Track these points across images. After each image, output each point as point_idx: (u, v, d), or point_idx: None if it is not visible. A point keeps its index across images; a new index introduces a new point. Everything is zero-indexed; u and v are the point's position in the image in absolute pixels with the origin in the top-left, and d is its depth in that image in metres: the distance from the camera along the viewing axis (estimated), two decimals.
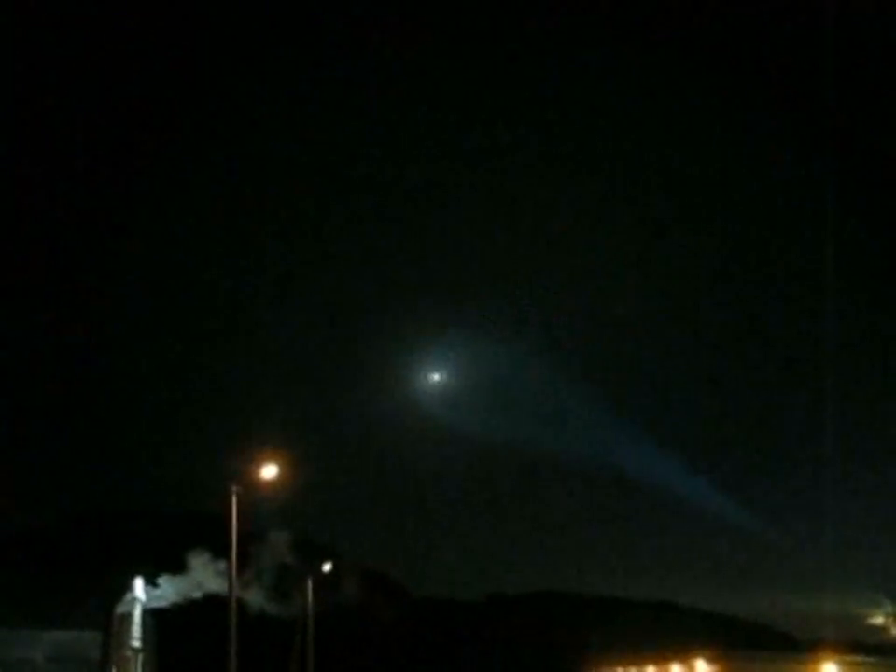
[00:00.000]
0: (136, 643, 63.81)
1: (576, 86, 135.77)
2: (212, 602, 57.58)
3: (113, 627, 64.94)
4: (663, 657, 59.42)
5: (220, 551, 56.34)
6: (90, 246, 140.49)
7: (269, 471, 33.25)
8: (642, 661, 62.02)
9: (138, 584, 64.62)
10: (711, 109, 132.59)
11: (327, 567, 69.75)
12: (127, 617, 64.22)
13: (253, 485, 33.45)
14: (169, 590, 65.65)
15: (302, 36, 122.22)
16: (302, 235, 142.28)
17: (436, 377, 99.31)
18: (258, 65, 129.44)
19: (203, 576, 62.30)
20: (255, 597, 70.50)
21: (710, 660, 53.60)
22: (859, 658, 55.32)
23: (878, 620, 70.45)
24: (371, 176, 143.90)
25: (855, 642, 70.19)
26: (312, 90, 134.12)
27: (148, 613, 65.05)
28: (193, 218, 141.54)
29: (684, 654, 56.59)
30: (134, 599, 64.29)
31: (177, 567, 66.40)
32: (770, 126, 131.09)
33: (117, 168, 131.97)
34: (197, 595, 63.76)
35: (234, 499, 32.74)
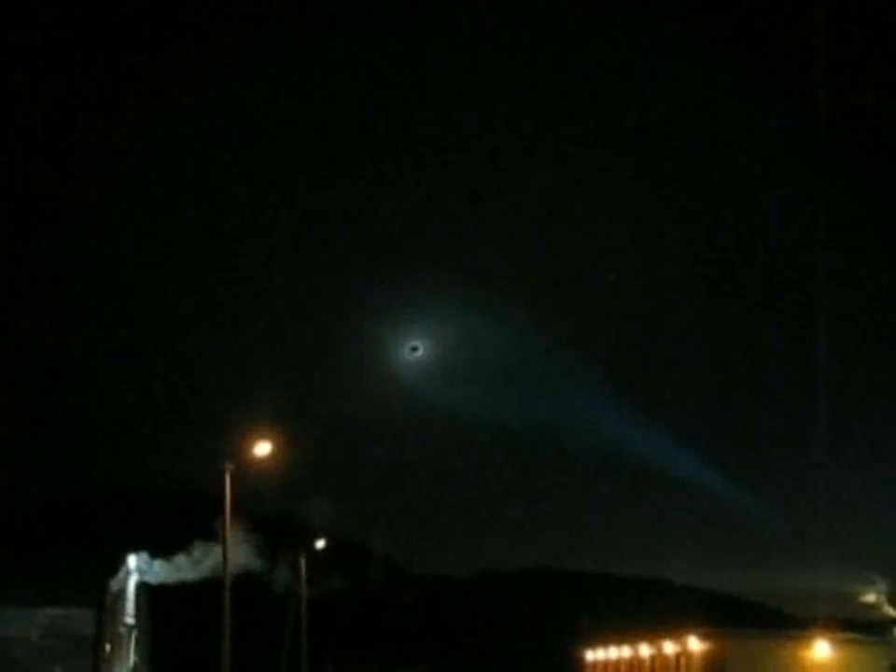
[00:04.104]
0: (130, 620, 63.89)
1: (576, 70, 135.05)
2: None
3: (107, 604, 65.04)
4: (656, 634, 59.55)
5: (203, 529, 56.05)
6: (77, 230, 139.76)
7: (262, 449, 33.18)
8: (635, 638, 62.11)
9: (132, 561, 64.62)
10: (706, 101, 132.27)
11: (320, 543, 69.62)
12: (121, 594, 64.31)
13: (247, 463, 33.39)
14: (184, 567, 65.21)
15: (295, 26, 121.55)
16: (287, 211, 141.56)
17: (422, 351, 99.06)
18: (247, 50, 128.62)
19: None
20: (281, 575, 70.02)
21: (703, 637, 53.75)
22: (851, 635, 55.60)
23: (871, 597, 70.70)
24: (358, 145, 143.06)
25: (847, 620, 70.46)
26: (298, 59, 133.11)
27: (143, 590, 65.08)
28: (178, 201, 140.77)
29: (677, 631, 56.73)
30: (128, 576, 64.31)
31: (171, 545, 66.22)
32: (765, 118, 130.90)
33: (100, 159, 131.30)
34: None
35: (228, 477, 32.71)
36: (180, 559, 64.64)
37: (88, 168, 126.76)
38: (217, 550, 62.02)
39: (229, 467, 32.82)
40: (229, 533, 34.01)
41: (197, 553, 63.37)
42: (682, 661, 55.37)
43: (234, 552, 61.35)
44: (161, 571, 65.26)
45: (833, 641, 51.91)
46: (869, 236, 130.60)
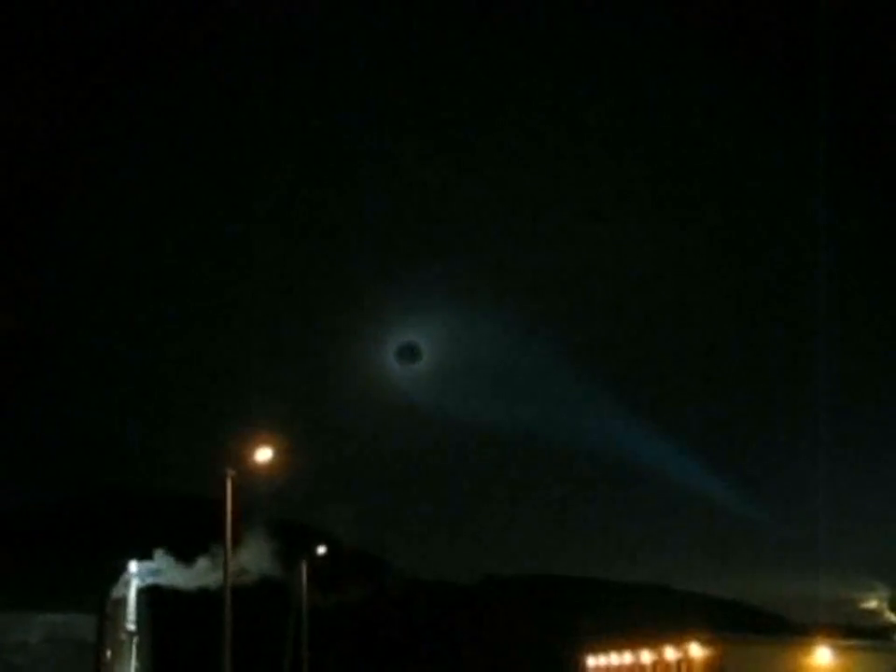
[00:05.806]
0: (132, 626, 63.73)
1: (578, 73, 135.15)
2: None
3: (108, 610, 64.88)
4: (657, 640, 59.59)
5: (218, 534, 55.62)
6: (78, 233, 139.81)
7: (264, 454, 33.17)
8: (636, 644, 62.15)
9: (133, 566, 64.47)
10: (705, 95, 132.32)
11: (321, 549, 69.56)
12: (122, 600, 64.15)
13: (249, 468, 33.36)
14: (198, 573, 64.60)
15: (293, 25, 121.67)
16: (289, 215, 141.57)
17: (426, 358, 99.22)
18: (246, 41, 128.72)
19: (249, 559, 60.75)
20: (297, 581, 69.34)
21: (705, 643, 53.81)
22: (852, 641, 55.66)
23: (872, 604, 70.81)
24: (358, 146, 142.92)
25: (848, 626, 70.56)
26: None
27: (145, 596, 64.90)
28: (180, 202, 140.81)
29: (679, 637, 56.79)
30: (130, 581, 64.17)
31: (178, 549, 65.95)
32: (763, 112, 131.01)
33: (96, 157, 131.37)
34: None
35: (229, 483, 32.65)
36: (204, 563, 64.03)
37: (88, 167, 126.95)
38: (241, 554, 61.84)
39: (230, 472, 32.78)
40: (230, 541, 33.96)
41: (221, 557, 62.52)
42: (683, 666, 55.47)
43: (256, 557, 61.24)
44: (179, 575, 64.72)
45: (834, 647, 52.02)
46: (869, 236, 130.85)
